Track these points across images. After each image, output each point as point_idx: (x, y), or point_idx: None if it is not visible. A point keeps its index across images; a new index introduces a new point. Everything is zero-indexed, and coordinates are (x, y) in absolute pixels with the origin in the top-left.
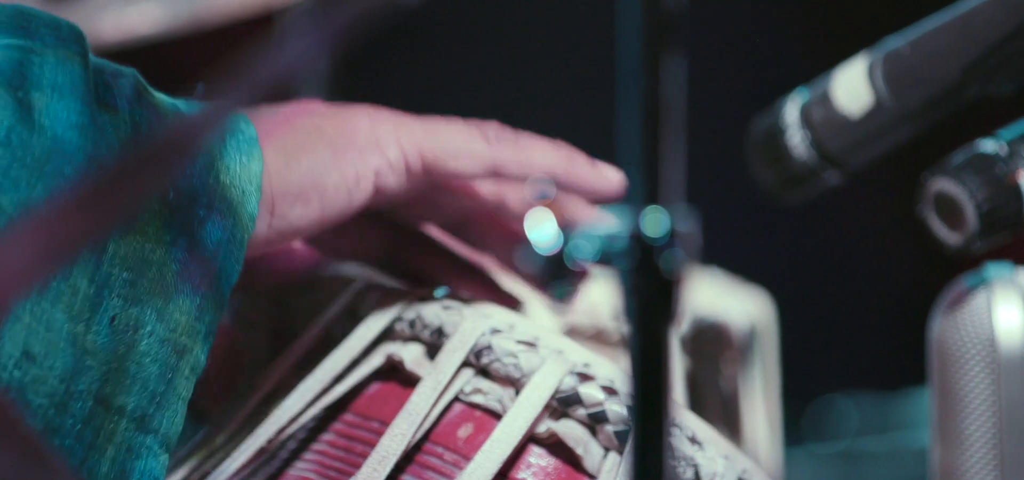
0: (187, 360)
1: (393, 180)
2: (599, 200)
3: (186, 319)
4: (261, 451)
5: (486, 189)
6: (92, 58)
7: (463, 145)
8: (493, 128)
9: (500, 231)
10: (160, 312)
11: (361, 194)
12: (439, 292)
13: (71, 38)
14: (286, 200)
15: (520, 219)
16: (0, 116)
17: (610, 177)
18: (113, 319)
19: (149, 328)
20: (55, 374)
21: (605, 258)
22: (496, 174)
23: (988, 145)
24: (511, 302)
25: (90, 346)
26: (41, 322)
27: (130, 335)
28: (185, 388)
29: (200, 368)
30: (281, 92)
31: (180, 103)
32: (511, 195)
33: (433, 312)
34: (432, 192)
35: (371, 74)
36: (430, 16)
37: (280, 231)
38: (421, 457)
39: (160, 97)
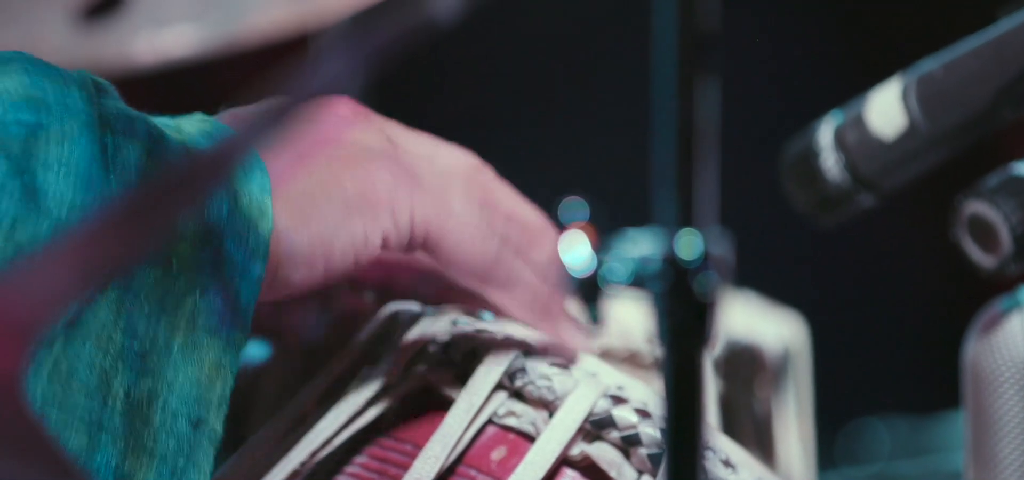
0: (203, 431)
1: (395, 245)
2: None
3: (197, 390)
4: (294, 474)
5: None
6: (106, 104)
7: (466, 254)
8: (508, 235)
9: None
10: (171, 384)
11: (366, 256)
12: (486, 316)
13: (80, 97)
14: (291, 265)
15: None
16: (6, 206)
17: (571, 344)
18: (128, 393)
19: (163, 400)
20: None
21: (639, 280)
22: (479, 292)
23: (1022, 168)
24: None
25: (106, 422)
26: (56, 399)
27: (145, 409)
28: (206, 460)
29: (217, 438)
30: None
31: (202, 124)
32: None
33: (467, 336)
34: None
35: (405, 94)
36: (465, 35)
37: (277, 292)
38: None
39: (174, 137)
